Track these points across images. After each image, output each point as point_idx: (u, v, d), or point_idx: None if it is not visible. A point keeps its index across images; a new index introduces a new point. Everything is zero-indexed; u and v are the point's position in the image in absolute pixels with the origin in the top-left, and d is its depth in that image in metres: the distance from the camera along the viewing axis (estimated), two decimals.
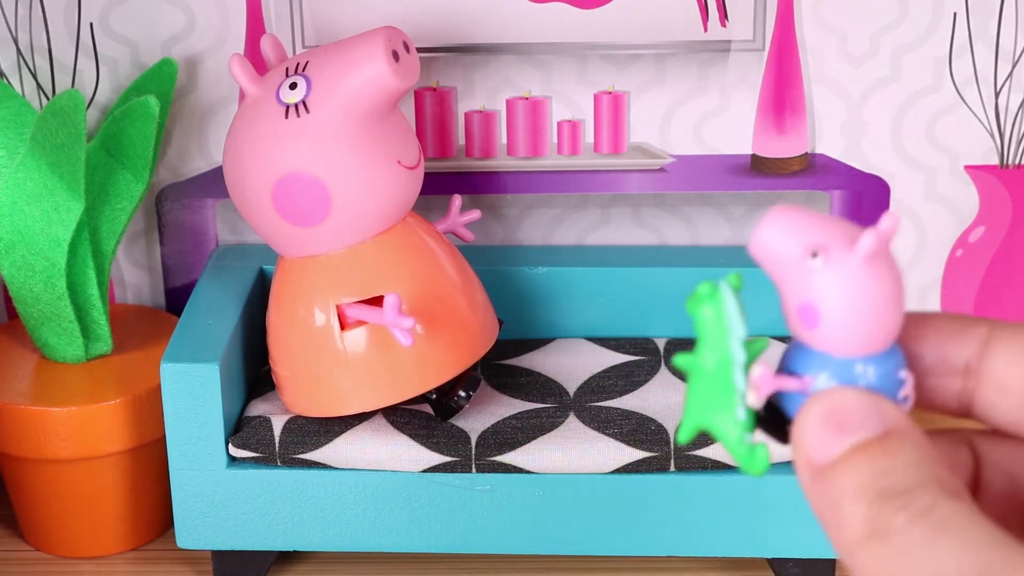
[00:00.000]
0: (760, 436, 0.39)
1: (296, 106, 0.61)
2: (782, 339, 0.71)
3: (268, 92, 0.62)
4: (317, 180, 0.61)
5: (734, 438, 0.39)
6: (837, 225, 0.38)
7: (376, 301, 0.63)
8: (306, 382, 0.64)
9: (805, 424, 0.37)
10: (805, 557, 0.65)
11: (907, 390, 0.39)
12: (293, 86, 0.62)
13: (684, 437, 0.39)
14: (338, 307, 0.63)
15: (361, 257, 0.63)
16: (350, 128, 0.61)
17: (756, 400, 0.38)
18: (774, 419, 0.40)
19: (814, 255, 0.38)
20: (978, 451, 0.40)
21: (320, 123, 0.61)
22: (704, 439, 0.64)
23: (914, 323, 0.40)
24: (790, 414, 0.39)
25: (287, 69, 0.62)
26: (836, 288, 0.37)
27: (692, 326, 0.39)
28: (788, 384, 0.39)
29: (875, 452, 0.36)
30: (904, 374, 0.39)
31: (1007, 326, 0.40)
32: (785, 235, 0.38)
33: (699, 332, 0.39)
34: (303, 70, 0.62)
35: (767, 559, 0.67)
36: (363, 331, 0.63)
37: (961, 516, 0.34)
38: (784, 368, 0.39)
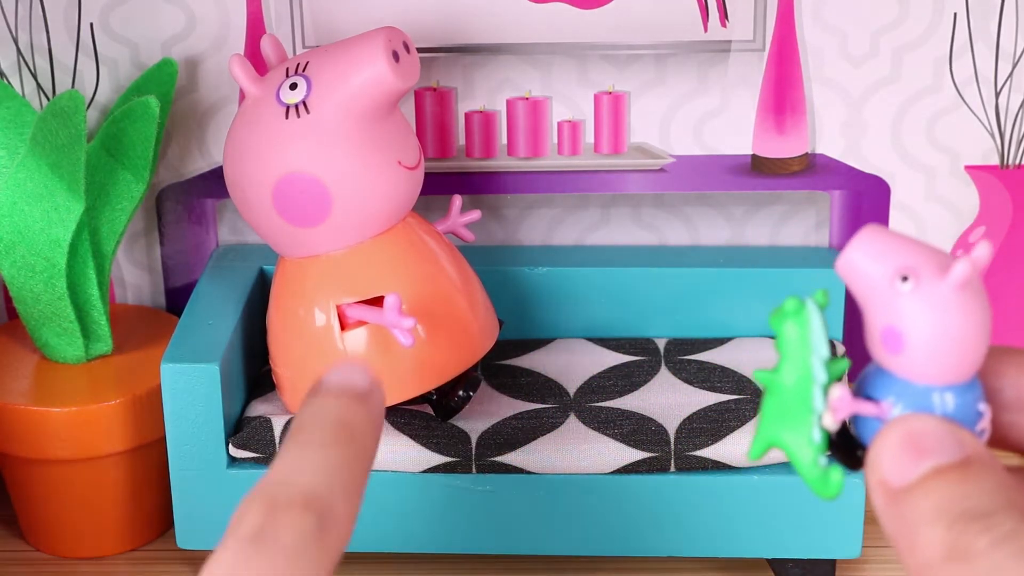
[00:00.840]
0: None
1: (296, 106, 0.61)
2: None
3: (268, 92, 0.62)
4: (317, 180, 0.61)
5: (808, 460, 0.38)
6: (928, 250, 0.38)
7: (376, 301, 0.63)
8: (306, 382, 0.64)
9: (883, 447, 0.37)
10: (805, 557, 0.65)
11: (984, 423, 0.38)
12: (293, 86, 0.62)
13: (755, 453, 0.39)
14: (338, 307, 0.63)
15: (361, 257, 0.63)
16: (350, 128, 0.61)
17: (833, 423, 0.38)
18: (843, 442, 0.39)
19: (904, 279, 0.37)
20: None
21: (320, 123, 0.61)
22: (702, 440, 0.64)
23: (996, 356, 0.40)
24: (863, 438, 0.39)
25: (287, 69, 0.62)
26: (924, 315, 0.37)
27: (771, 332, 0.38)
28: (866, 409, 0.38)
29: (955, 477, 0.36)
30: (983, 407, 0.38)
31: None
32: (875, 257, 0.37)
33: (780, 348, 0.38)
34: (303, 70, 0.62)
35: (767, 559, 0.67)
36: (363, 331, 0.63)
37: None
38: (861, 391, 0.39)
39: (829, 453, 0.39)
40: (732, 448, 0.64)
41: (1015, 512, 0.35)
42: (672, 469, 0.64)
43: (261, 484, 0.40)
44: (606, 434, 0.65)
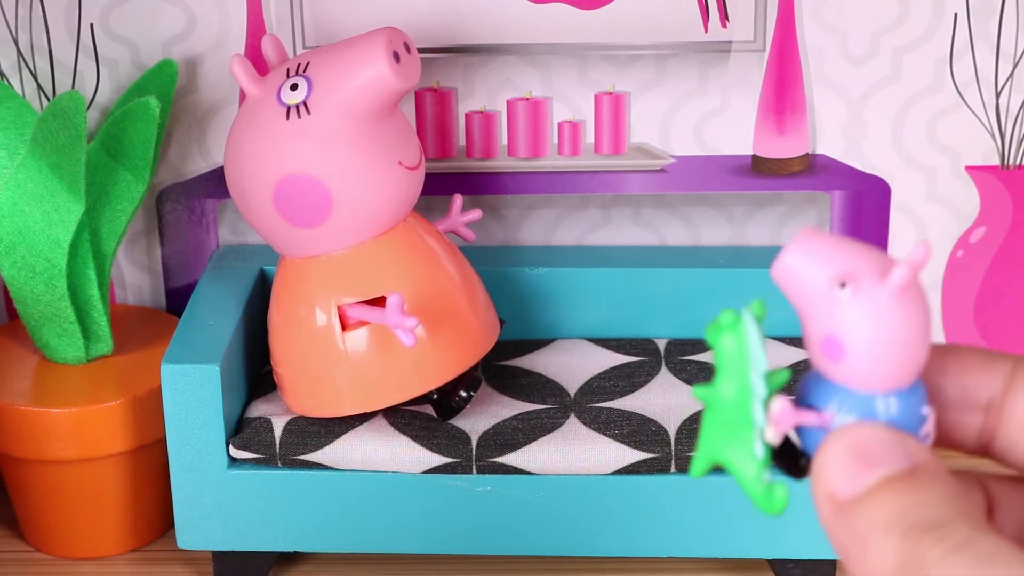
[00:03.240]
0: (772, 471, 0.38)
1: (297, 107, 0.61)
2: (780, 339, 0.71)
3: (269, 93, 0.62)
4: (318, 181, 0.61)
5: (751, 475, 0.37)
6: (865, 253, 0.36)
7: (376, 302, 0.63)
8: (307, 382, 0.64)
9: (828, 458, 0.36)
10: (805, 558, 0.65)
11: (928, 427, 0.38)
12: (294, 87, 0.62)
13: (697, 471, 0.38)
14: (339, 307, 0.63)
15: (362, 257, 0.63)
16: (351, 129, 0.61)
17: (775, 436, 0.37)
18: (786, 453, 0.38)
19: (842, 285, 0.36)
20: (992, 495, 0.39)
21: (321, 124, 0.61)
22: None
23: (937, 356, 0.39)
24: (806, 447, 0.38)
25: (288, 70, 0.62)
26: (864, 322, 0.36)
27: (708, 346, 0.37)
28: (808, 419, 0.37)
29: (905, 487, 0.35)
30: (926, 410, 0.37)
31: None
32: (812, 262, 0.36)
33: (718, 363, 0.37)
34: (304, 71, 0.62)
35: (767, 560, 0.67)
36: (364, 331, 0.63)
37: (1004, 550, 0.33)
38: (802, 400, 0.38)
39: (772, 463, 0.38)
40: None
41: (967, 520, 0.34)
42: (672, 470, 0.64)
43: None
44: (606, 435, 0.65)
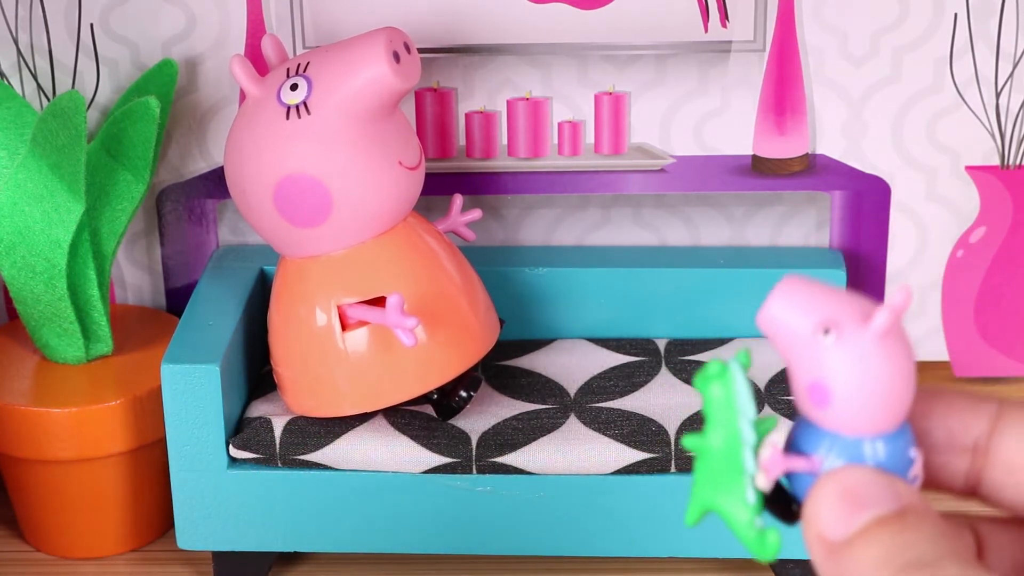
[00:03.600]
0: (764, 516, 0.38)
1: (297, 107, 0.61)
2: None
3: (269, 93, 0.62)
4: (318, 181, 0.61)
5: (744, 521, 0.38)
6: (847, 300, 0.37)
7: (376, 302, 0.63)
8: (307, 382, 0.64)
9: (819, 501, 0.37)
10: (805, 558, 0.65)
11: (916, 469, 0.38)
12: (294, 87, 0.62)
13: (691, 519, 0.38)
14: (339, 307, 0.63)
15: (362, 257, 0.63)
16: (351, 129, 0.61)
17: (766, 482, 0.37)
18: (777, 498, 0.39)
19: (826, 331, 0.36)
20: (981, 537, 0.39)
21: (321, 124, 0.61)
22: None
23: (923, 398, 0.39)
24: (797, 493, 0.38)
25: (288, 70, 0.62)
26: (849, 367, 0.36)
27: (700, 400, 0.37)
28: (797, 465, 0.37)
29: (894, 527, 0.35)
30: (914, 452, 0.38)
31: (1018, 405, 0.39)
32: (795, 310, 0.37)
33: (707, 412, 0.37)
34: (304, 71, 0.62)
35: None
36: (364, 331, 0.63)
37: None
38: (791, 447, 0.38)
39: (764, 508, 0.38)
40: None
41: (958, 559, 0.34)
42: (672, 470, 0.64)
43: None
44: (606, 435, 0.65)
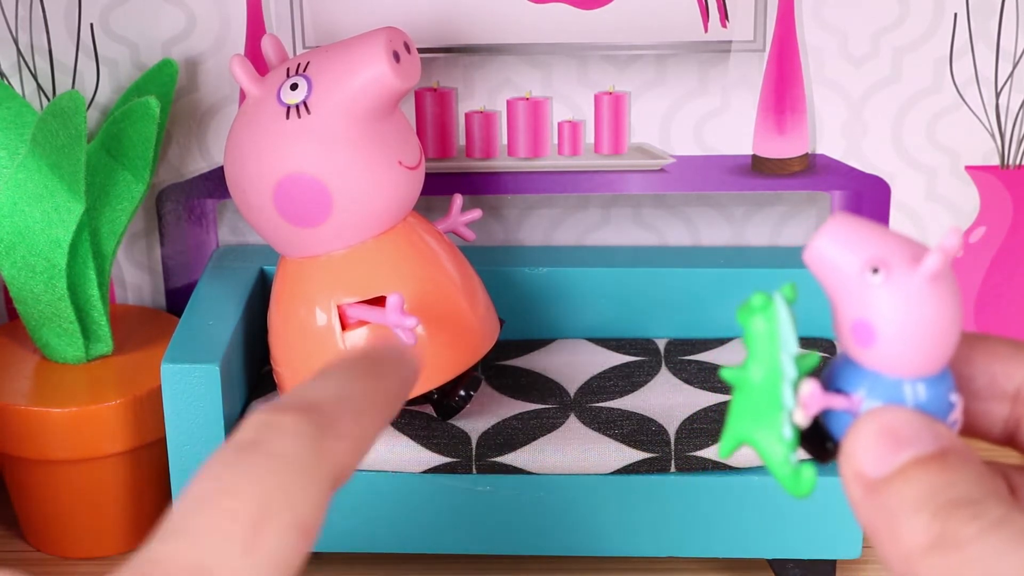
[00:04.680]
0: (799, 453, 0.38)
1: (297, 107, 0.61)
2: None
3: (269, 93, 0.62)
4: (318, 181, 0.61)
5: (779, 457, 0.37)
6: (898, 239, 0.37)
7: (376, 301, 0.63)
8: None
9: (858, 439, 0.36)
10: (805, 558, 0.65)
11: (956, 414, 0.38)
12: (294, 87, 0.62)
13: (725, 451, 0.38)
14: (339, 307, 0.63)
15: (362, 257, 0.63)
16: (351, 129, 0.61)
17: (804, 419, 0.37)
18: (813, 435, 0.38)
19: (875, 271, 0.36)
20: (1013, 485, 0.39)
21: (321, 124, 0.61)
22: (702, 440, 0.64)
23: (966, 344, 0.39)
24: (832, 431, 0.38)
25: (288, 70, 0.62)
26: (896, 308, 0.36)
27: (741, 333, 0.37)
28: (837, 403, 0.37)
29: (935, 466, 0.35)
30: (955, 397, 0.38)
31: None
32: (844, 247, 0.36)
33: (749, 344, 0.37)
34: (304, 71, 0.62)
35: (767, 559, 0.67)
36: (364, 331, 0.63)
37: None
38: (830, 384, 0.38)
39: (800, 445, 0.38)
40: None
41: (1001, 499, 0.34)
42: (672, 469, 0.64)
43: (270, 402, 0.39)
44: (606, 434, 0.65)
